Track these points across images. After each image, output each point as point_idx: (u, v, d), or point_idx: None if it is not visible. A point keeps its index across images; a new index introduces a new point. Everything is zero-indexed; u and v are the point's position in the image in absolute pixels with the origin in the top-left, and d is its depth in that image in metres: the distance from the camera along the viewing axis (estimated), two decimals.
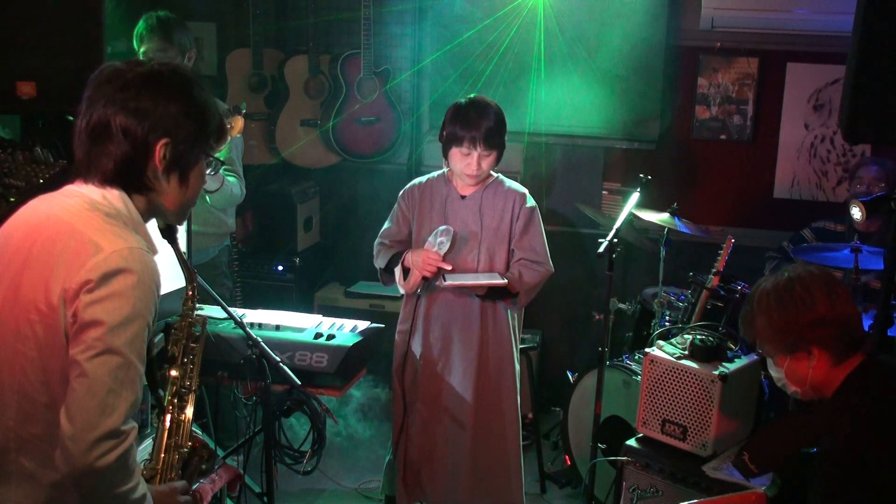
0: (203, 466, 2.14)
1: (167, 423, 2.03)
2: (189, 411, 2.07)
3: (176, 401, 2.04)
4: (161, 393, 2.09)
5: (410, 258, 3.26)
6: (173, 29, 3.70)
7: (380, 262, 3.37)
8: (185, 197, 1.92)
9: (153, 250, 1.84)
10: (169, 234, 1.99)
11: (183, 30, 3.77)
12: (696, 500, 2.67)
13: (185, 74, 1.90)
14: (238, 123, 3.34)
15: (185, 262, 2.02)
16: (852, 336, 2.21)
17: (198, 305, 3.18)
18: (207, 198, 3.61)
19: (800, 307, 2.20)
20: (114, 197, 1.82)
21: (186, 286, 2.05)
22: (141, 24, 3.70)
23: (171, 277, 2.21)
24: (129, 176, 1.83)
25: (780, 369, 2.30)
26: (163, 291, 1.98)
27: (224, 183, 3.56)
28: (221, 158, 3.69)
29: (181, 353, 2.06)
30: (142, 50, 3.70)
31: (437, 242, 3.20)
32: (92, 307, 1.69)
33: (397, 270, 3.30)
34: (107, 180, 1.82)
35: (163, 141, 1.81)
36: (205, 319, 2.12)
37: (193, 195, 1.95)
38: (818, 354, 2.20)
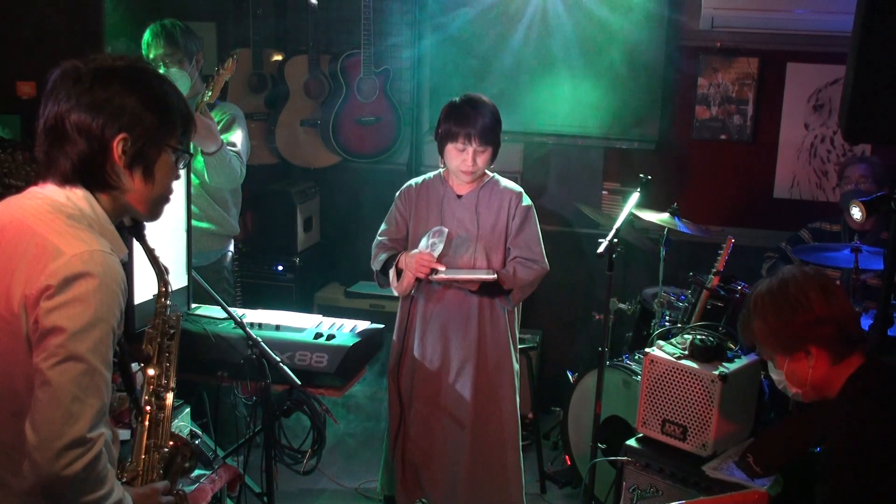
0: (186, 465, 2.10)
1: (146, 424, 1.99)
2: (168, 410, 2.03)
3: (154, 400, 2.00)
4: (138, 393, 2.06)
5: (404, 260, 3.26)
6: (178, 34, 3.73)
7: (376, 265, 3.38)
8: (154, 193, 1.87)
9: (120, 251, 1.80)
10: (136, 231, 1.95)
11: (188, 34, 3.79)
12: (699, 499, 2.67)
13: (143, 66, 1.85)
14: (231, 65, 3.47)
15: (154, 259, 1.99)
16: (849, 334, 2.21)
17: (197, 305, 3.23)
18: (206, 176, 3.61)
19: (795, 308, 2.21)
20: (77, 197, 1.78)
21: (158, 284, 2.00)
22: (147, 33, 3.73)
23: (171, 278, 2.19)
24: (88, 174, 1.77)
25: (780, 371, 2.30)
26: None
27: (223, 148, 3.57)
28: (224, 141, 3.74)
29: (157, 351, 2.01)
30: (151, 56, 3.72)
31: (430, 244, 3.20)
32: (53, 313, 1.64)
33: (391, 272, 3.31)
34: (66, 180, 1.77)
35: (120, 136, 1.76)
36: (179, 316, 2.08)
37: (162, 191, 1.89)
38: (816, 354, 2.20)
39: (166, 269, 2.01)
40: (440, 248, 3.19)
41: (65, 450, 1.62)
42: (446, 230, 3.23)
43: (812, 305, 2.20)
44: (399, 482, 3.45)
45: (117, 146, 1.77)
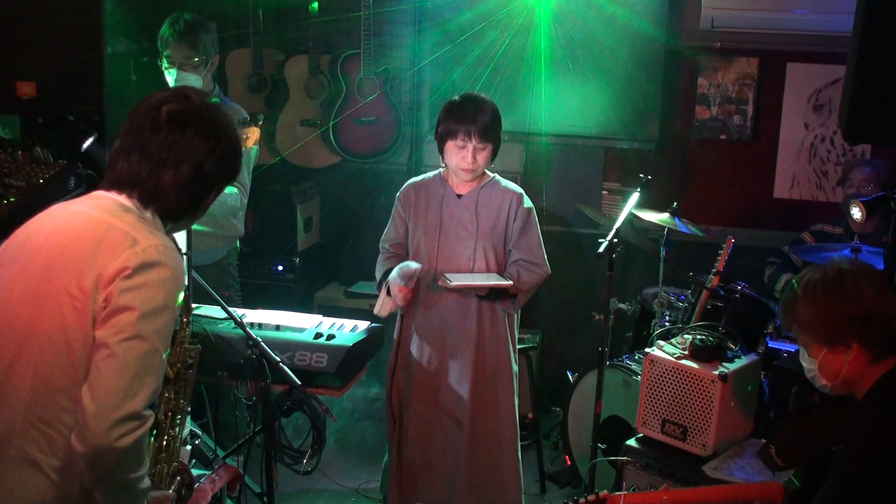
0: (182, 492, 2.19)
1: (163, 441, 2.09)
2: (181, 430, 2.13)
3: (168, 417, 2.10)
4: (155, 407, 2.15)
5: (391, 282, 3.27)
6: (200, 36, 3.64)
7: (377, 275, 3.40)
8: None
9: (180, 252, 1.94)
10: None
11: (209, 34, 3.71)
12: (716, 486, 2.65)
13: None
14: (254, 134, 3.30)
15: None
16: (893, 336, 2.18)
17: (197, 305, 3.23)
18: None
19: (847, 300, 2.17)
20: (138, 205, 1.92)
21: (181, 313, 2.09)
22: (166, 28, 3.64)
23: None
24: (187, 211, 1.98)
25: (813, 360, 2.26)
26: None
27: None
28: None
29: (175, 375, 2.11)
30: (165, 54, 3.64)
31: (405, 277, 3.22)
32: (126, 293, 1.77)
33: (382, 292, 3.32)
34: (160, 211, 1.93)
35: (221, 185, 2.01)
36: (198, 350, 2.20)
37: None
38: (857, 350, 2.17)
39: (190, 301, 2.18)
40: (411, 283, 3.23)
41: (121, 421, 1.72)
42: (416, 266, 3.22)
43: (865, 300, 2.16)
44: (394, 483, 3.45)
45: (215, 193, 2.01)
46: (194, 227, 3.33)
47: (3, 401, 1.82)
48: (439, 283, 3.24)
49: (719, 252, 3.67)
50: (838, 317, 2.18)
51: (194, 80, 3.65)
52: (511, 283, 3.22)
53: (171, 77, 3.66)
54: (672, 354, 3.05)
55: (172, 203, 1.93)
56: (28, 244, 1.91)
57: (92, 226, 1.86)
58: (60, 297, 1.80)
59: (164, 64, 3.66)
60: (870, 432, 2.13)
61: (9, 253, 1.94)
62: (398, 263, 3.35)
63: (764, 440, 2.87)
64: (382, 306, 3.32)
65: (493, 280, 3.24)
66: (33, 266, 1.86)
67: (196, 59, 3.66)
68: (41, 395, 1.80)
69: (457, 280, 3.19)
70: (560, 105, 4.70)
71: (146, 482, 1.84)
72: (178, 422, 2.12)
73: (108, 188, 1.94)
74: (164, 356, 1.83)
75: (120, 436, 1.71)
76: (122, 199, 1.91)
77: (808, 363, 2.30)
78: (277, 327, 3.16)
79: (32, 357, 1.81)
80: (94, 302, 1.78)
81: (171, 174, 1.89)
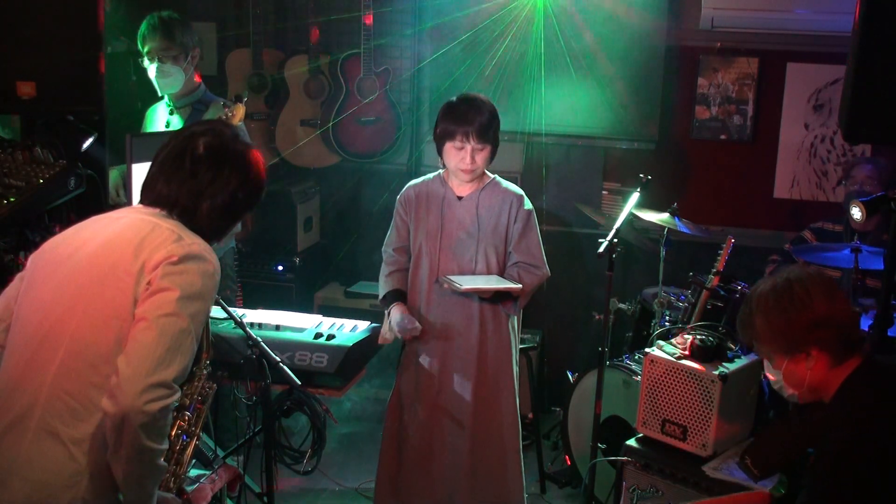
0: None
1: (174, 452, 2.19)
2: (189, 450, 2.23)
3: (179, 438, 2.18)
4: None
5: (391, 319, 3.29)
6: (175, 28, 3.69)
7: (380, 291, 3.41)
8: None
9: None
10: None
11: (185, 29, 3.75)
12: (702, 500, 2.66)
13: None
14: (239, 112, 3.33)
15: (206, 329, 2.25)
16: (850, 337, 2.20)
17: None
18: None
19: (799, 308, 2.19)
20: (175, 217, 2.09)
21: (200, 352, 2.20)
22: (144, 25, 3.70)
23: None
24: (217, 235, 2.14)
25: (778, 371, 2.29)
26: None
27: None
28: None
29: (190, 403, 2.21)
30: (145, 49, 3.68)
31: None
32: (169, 277, 1.92)
33: (385, 321, 3.34)
34: (204, 232, 2.08)
35: (247, 212, 2.19)
36: (214, 389, 2.30)
37: None
38: (816, 356, 2.19)
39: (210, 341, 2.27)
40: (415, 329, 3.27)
41: (152, 387, 1.82)
42: (416, 325, 3.27)
43: (815, 306, 2.18)
44: (389, 482, 3.45)
45: (241, 219, 2.19)
46: None
47: (31, 374, 1.92)
48: (444, 286, 3.23)
49: (719, 252, 3.67)
50: (793, 325, 2.20)
51: (175, 72, 3.67)
52: (519, 286, 3.22)
53: (152, 71, 3.69)
54: (672, 354, 3.05)
55: (206, 229, 2.09)
56: (65, 248, 2.04)
57: (138, 224, 2.02)
58: (104, 280, 1.94)
59: (146, 62, 3.69)
60: (839, 434, 2.14)
61: (46, 256, 2.07)
62: (399, 279, 3.37)
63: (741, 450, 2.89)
64: (388, 334, 3.32)
65: (501, 283, 3.24)
66: (72, 261, 2.00)
67: (173, 50, 3.68)
68: (71, 368, 1.90)
69: (466, 284, 3.17)
70: (560, 105, 4.70)
71: (163, 462, 1.91)
72: (186, 443, 2.22)
73: (148, 205, 2.09)
74: (195, 345, 1.94)
75: (149, 400, 1.81)
76: (164, 213, 2.07)
77: (773, 375, 2.33)
78: (277, 327, 3.16)
79: (66, 336, 1.92)
80: (138, 284, 1.92)
81: (208, 203, 2.07)
